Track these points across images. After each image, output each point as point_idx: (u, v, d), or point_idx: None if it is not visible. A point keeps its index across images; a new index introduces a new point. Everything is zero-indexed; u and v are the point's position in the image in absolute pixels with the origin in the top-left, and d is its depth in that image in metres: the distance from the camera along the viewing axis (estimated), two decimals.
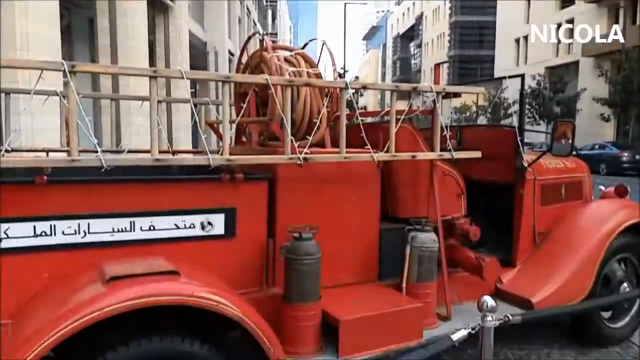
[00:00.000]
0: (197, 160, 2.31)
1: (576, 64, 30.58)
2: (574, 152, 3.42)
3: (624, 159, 19.96)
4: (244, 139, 3.21)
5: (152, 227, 2.21)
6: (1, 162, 1.93)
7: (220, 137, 3.01)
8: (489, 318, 1.94)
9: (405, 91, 2.95)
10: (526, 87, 30.64)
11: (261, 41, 3.02)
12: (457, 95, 2.95)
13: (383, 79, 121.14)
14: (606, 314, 3.59)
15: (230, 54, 21.96)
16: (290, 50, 3.07)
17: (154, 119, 2.14)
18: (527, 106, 31.00)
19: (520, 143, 3.30)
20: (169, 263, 2.03)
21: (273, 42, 3.27)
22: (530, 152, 3.54)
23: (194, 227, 2.31)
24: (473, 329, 1.98)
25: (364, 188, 2.80)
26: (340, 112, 2.55)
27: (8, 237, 1.96)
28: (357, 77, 29.22)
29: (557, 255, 3.35)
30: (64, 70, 1.92)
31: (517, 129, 3.34)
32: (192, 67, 16.64)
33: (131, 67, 2.76)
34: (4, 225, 1.94)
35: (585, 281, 3.22)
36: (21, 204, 1.99)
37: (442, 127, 2.82)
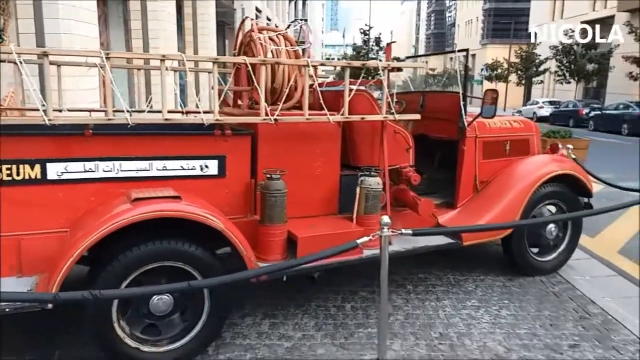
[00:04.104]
0: (195, 120, 3.18)
1: (612, 18, 29.58)
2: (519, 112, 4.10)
3: None
4: (239, 102, 4.06)
5: (164, 168, 3.13)
6: (59, 120, 2.84)
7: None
8: (385, 229, 2.76)
9: (355, 67, 3.68)
10: (557, 43, 29.74)
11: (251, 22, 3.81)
12: (400, 70, 3.69)
13: (417, 31, 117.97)
14: (535, 250, 4.40)
15: (257, 10, 22.43)
16: (275, 31, 3.85)
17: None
18: (557, 63, 30.33)
19: (462, 107, 4.04)
20: (175, 191, 2.95)
21: (267, 23, 4.05)
22: (472, 115, 4.25)
23: (195, 168, 3.21)
24: (373, 236, 2.81)
25: (327, 142, 3.63)
26: (304, 84, 3.35)
27: (67, 172, 2.91)
28: (389, 33, 29.12)
29: (489, 198, 4.14)
30: (102, 57, 2.79)
31: (461, 95, 4.07)
32: (218, 23, 17.36)
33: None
34: (65, 163, 2.89)
35: (509, 220, 4.02)
36: (75, 149, 2.92)
37: (388, 95, 3.59)
